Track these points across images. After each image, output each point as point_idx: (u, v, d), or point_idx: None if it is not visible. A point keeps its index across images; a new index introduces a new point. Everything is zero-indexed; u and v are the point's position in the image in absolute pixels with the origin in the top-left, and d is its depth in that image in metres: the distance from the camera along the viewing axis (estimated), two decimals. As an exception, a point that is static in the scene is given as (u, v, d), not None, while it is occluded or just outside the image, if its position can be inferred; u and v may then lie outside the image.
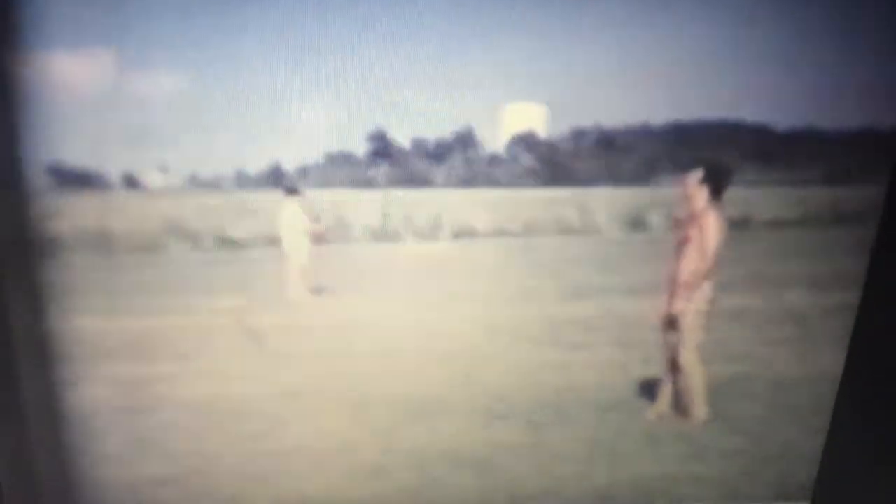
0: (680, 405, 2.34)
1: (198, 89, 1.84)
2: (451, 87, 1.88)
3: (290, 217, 2.19)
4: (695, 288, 2.21)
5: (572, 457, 2.23)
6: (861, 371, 1.83)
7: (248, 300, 2.16)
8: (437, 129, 1.99)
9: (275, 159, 2.00)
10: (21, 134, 1.71)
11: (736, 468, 2.21)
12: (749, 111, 1.97)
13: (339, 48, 1.81)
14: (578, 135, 2.06)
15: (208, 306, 2.29)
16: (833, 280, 2.15)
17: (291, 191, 2.11)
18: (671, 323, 2.27)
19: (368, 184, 2.14)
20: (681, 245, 2.23)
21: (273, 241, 2.24)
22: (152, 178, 2.02)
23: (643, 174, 2.18)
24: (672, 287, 2.24)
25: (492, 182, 2.19)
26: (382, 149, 2.01)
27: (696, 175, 2.18)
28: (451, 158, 2.13)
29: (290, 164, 2.03)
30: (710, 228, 2.16)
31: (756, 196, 2.16)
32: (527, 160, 2.14)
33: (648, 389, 2.38)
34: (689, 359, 2.28)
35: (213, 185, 2.01)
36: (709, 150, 2.10)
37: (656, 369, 2.38)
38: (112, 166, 1.89)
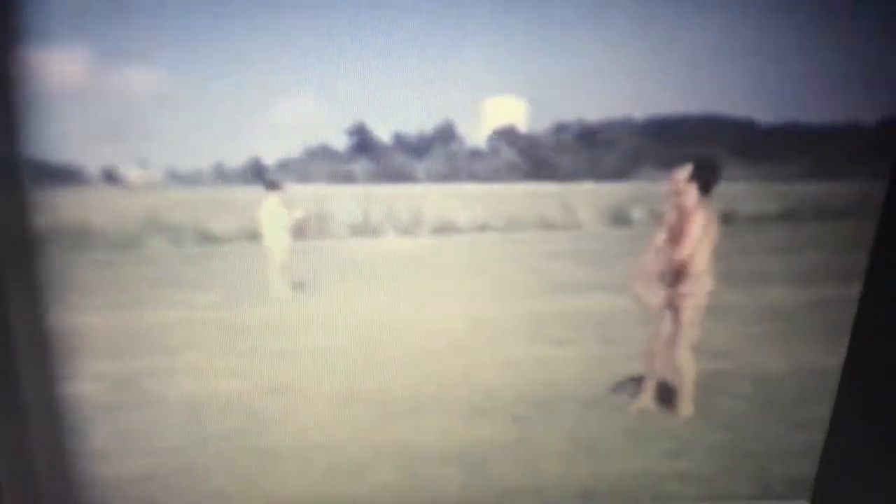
0: (665, 401, 2.34)
1: (177, 84, 1.83)
2: (432, 81, 1.87)
3: (271, 212, 2.18)
4: (687, 282, 2.21)
5: (557, 452, 2.23)
6: (861, 368, 1.82)
7: (227, 296, 2.15)
8: (418, 123, 1.98)
9: (254, 154, 1.98)
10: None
11: (720, 464, 2.21)
12: (733, 105, 1.96)
13: (319, 42, 1.80)
14: (560, 129, 2.04)
15: (189, 301, 2.28)
16: (818, 275, 2.14)
17: (272, 185, 2.10)
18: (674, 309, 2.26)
19: (349, 178, 2.13)
20: (667, 242, 2.22)
21: (254, 236, 2.22)
22: (132, 173, 2.00)
23: (626, 169, 2.17)
24: (668, 279, 2.24)
25: (473, 177, 2.17)
26: (363, 143, 1.99)
27: (685, 171, 2.16)
28: (433, 153, 2.12)
29: (269, 159, 2.01)
30: (699, 225, 2.16)
31: (740, 191, 2.16)
32: (508, 154, 2.13)
33: (632, 385, 2.38)
34: (685, 356, 2.28)
35: (192, 179, 2.00)
36: (692, 145, 2.09)
37: (639, 365, 2.37)
38: (91, 161, 1.88)
